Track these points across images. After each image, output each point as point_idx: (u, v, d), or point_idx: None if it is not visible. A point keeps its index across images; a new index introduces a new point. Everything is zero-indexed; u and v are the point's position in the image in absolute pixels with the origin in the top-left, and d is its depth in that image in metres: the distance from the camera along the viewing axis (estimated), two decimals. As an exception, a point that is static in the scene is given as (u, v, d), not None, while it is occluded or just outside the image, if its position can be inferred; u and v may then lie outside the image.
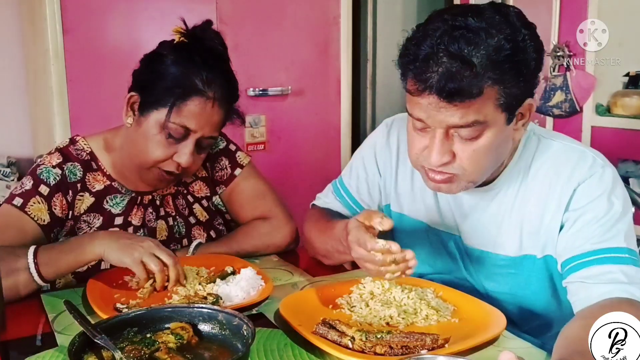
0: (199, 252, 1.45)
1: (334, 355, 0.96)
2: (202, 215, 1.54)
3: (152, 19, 2.58)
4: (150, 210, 1.46)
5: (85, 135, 1.47)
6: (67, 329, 1.07)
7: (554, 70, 2.98)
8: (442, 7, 1.10)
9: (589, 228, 1.09)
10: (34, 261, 1.20)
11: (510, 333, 1.06)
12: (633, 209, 1.16)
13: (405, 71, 1.07)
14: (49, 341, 1.04)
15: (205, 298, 1.15)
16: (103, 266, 1.34)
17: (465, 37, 1.00)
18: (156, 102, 1.31)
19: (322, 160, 3.07)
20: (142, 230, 1.45)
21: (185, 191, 1.53)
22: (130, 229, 1.43)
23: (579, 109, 2.94)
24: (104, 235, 1.25)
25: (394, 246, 1.08)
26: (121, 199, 1.44)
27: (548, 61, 2.97)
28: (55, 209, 1.36)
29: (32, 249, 1.21)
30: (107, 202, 1.42)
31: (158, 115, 1.31)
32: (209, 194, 1.56)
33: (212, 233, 1.54)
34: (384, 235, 1.14)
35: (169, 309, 1.01)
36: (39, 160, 1.42)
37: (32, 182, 1.36)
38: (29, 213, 1.33)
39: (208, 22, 1.38)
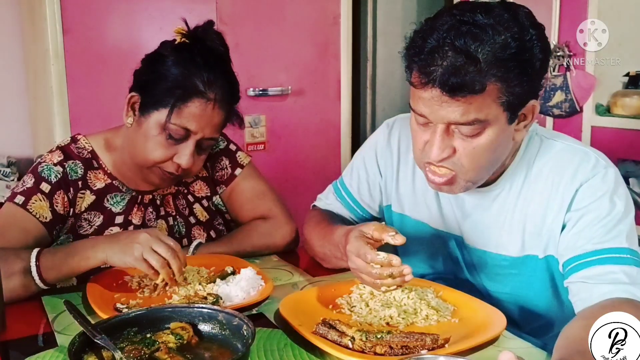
0: (199, 252, 1.45)
1: (334, 355, 0.96)
2: (203, 215, 1.54)
3: (152, 19, 2.58)
4: (150, 209, 1.46)
5: (86, 134, 1.47)
6: (67, 329, 1.07)
7: (554, 70, 2.98)
8: (442, 7, 1.10)
9: (590, 228, 1.09)
10: (36, 264, 1.20)
11: (510, 333, 1.06)
12: (634, 210, 1.16)
13: (410, 63, 1.07)
14: (49, 341, 1.04)
15: (205, 298, 1.15)
16: (103, 265, 1.34)
17: (471, 32, 1.00)
18: (157, 103, 1.31)
19: (322, 160, 3.07)
20: (142, 230, 1.44)
21: (185, 191, 1.53)
22: (131, 228, 1.43)
23: (579, 109, 2.93)
24: (104, 239, 1.24)
25: (395, 260, 1.07)
26: (122, 197, 1.44)
27: (548, 61, 2.97)
28: (56, 206, 1.36)
29: (34, 252, 1.21)
30: (107, 200, 1.43)
31: (158, 116, 1.31)
32: (209, 194, 1.56)
33: (212, 233, 1.54)
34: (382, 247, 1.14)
35: (169, 309, 1.00)
36: (40, 158, 1.42)
37: (33, 180, 1.36)
38: (31, 211, 1.33)
39: (210, 23, 1.38)
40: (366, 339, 0.98)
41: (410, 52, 1.06)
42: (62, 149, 1.42)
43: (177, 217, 1.50)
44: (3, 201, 1.40)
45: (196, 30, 1.36)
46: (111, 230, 1.42)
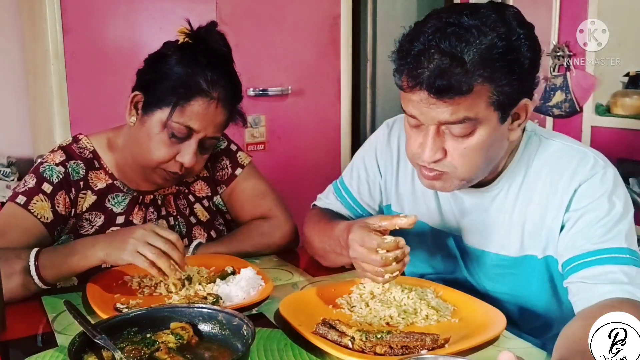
0: (199, 252, 1.45)
1: (334, 355, 0.96)
2: (203, 215, 1.54)
3: (153, 19, 2.58)
4: (151, 209, 1.46)
5: (87, 134, 1.47)
6: (67, 329, 1.07)
7: (554, 70, 2.98)
8: (432, 10, 1.11)
9: (590, 228, 1.09)
10: (35, 264, 1.20)
11: (510, 333, 1.06)
12: (633, 210, 1.16)
13: (398, 67, 1.08)
14: (49, 341, 1.04)
15: (205, 298, 1.15)
16: (103, 265, 1.34)
17: (457, 34, 1.01)
18: (160, 102, 1.32)
19: (322, 160, 3.07)
20: (142, 230, 1.44)
21: (186, 191, 1.53)
22: (131, 229, 1.43)
23: (579, 109, 2.93)
24: (103, 238, 1.24)
25: (402, 241, 1.10)
26: (123, 198, 1.44)
27: (548, 61, 2.97)
28: (58, 207, 1.36)
29: (33, 251, 1.21)
30: (108, 200, 1.43)
31: (161, 115, 1.31)
32: (210, 194, 1.56)
33: (213, 233, 1.54)
34: None
35: (169, 309, 1.01)
36: (42, 158, 1.42)
37: (35, 180, 1.36)
38: (33, 211, 1.33)
39: (212, 23, 1.38)
40: (366, 339, 0.98)
41: (397, 56, 1.07)
42: (64, 149, 1.42)
43: (178, 217, 1.50)
44: (3, 201, 1.40)
45: (199, 31, 1.36)
46: (112, 230, 1.42)
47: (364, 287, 1.20)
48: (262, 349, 0.99)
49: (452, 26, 1.02)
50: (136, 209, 1.45)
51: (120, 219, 1.43)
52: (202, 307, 1.00)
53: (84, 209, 1.40)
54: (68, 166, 1.39)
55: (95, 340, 0.89)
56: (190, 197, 1.53)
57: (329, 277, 1.35)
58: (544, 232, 1.17)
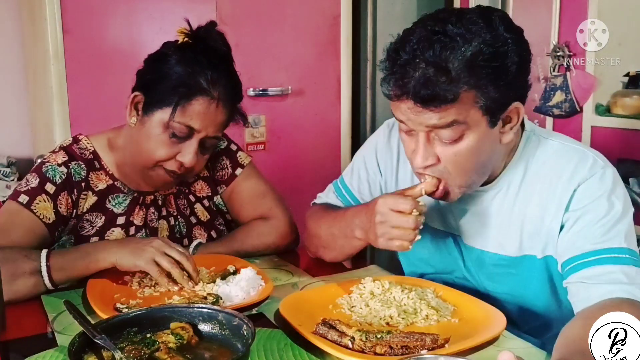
0: (199, 252, 1.45)
1: (334, 355, 0.96)
2: (204, 215, 1.54)
3: (152, 19, 2.58)
4: (152, 210, 1.46)
5: (88, 134, 1.47)
6: (67, 329, 1.07)
7: (554, 70, 2.97)
8: (442, 7, 1.11)
9: (589, 228, 1.09)
10: (47, 265, 1.20)
11: (510, 333, 1.06)
12: (633, 210, 1.16)
13: (385, 76, 1.09)
14: (49, 341, 1.04)
15: (205, 298, 1.16)
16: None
17: (441, 42, 1.01)
18: (160, 102, 1.32)
19: (322, 160, 3.07)
20: (143, 230, 1.45)
21: (187, 191, 1.53)
22: (132, 229, 1.43)
23: (579, 109, 2.93)
24: (114, 243, 1.27)
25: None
26: (123, 198, 1.44)
27: (548, 61, 2.97)
28: (60, 207, 1.36)
29: (44, 252, 1.22)
30: (109, 201, 1.43)
31: (162, 115, 1.31)
32: (210, 194, 1.56)
33: (213, 233, 1.54)
34: None
35: (169, 309, 1.01)
36: (43, 158, 1.42)
37: (38, 179, 1.36)
38: (35, 211, 1.33)
39: (212, 23, 1.38)
40: (366, 339, 0.98)
41: (384, 65, 1.08)
42: (66, 149, 1.42)
43: (178, 217, 1.50)
44: (3, 201, 1.40)
45: (198, 31, 1.36)
46: (112, 231, 1.42)
47: (364, 287, 1.21)
48: (262, 349, 1.00)
49: (437, 34, 1.02)
50: (137, 210, 1.45)
51: (120, 220, 1.43)
52: (202, 307, 1.00)
53: (85, 210, 1.40)
54: (70, 167, 1.39)
55: (95, 340, 0.89)
56: (191, 197, 1.53)
57: (329, 277, 1.35)
58: (543, 232, 1.17)
